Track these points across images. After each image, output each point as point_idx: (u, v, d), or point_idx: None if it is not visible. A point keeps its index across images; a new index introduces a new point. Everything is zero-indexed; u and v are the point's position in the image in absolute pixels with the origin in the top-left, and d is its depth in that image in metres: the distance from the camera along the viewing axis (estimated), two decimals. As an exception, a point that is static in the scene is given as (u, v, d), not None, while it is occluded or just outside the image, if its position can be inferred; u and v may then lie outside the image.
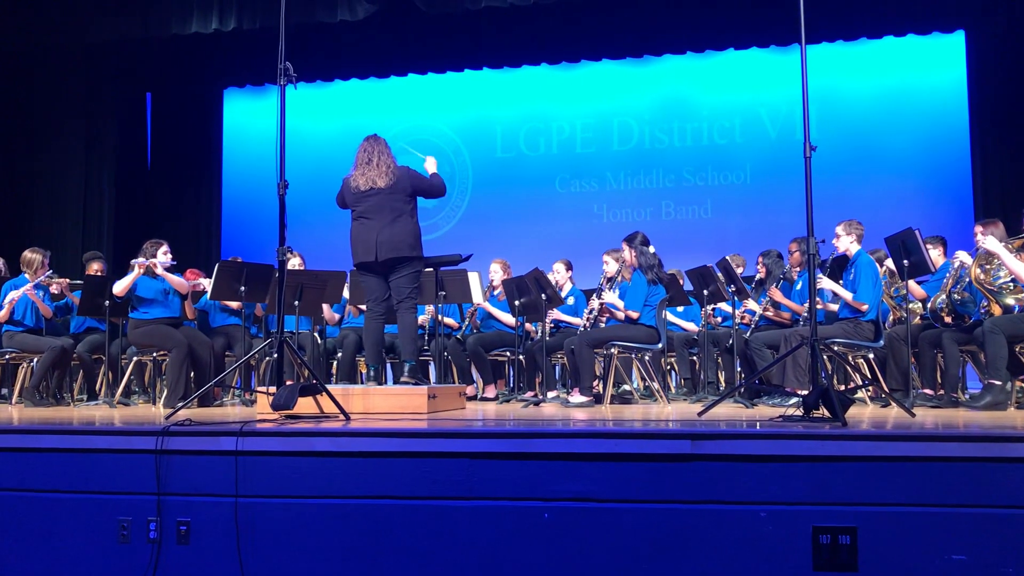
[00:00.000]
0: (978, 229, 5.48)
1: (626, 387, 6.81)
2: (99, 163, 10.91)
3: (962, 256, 5.59)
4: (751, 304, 6.91)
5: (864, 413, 4.80)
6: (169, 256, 6.13)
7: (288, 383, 4.43)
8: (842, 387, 6.13)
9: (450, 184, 11.04)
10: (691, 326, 7.64)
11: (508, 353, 7.33)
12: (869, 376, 5.96)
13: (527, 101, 11.17)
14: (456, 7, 9.38)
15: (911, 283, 5.95)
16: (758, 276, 7.09)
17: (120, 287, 5.96)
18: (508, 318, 7.20)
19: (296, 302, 6.30)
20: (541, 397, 6.40)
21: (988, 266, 5.34)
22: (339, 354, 7.18)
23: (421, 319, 7.06)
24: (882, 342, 5.66)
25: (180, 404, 5.12)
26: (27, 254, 6.58)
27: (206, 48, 10.78)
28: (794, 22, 4.32)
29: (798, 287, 6.43)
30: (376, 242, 5.03)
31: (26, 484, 3.76)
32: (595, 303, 6.52)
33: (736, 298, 6.59)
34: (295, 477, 3.55)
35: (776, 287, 6.51)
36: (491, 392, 7.19)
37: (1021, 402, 5.46)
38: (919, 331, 5.83)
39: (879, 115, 10.12)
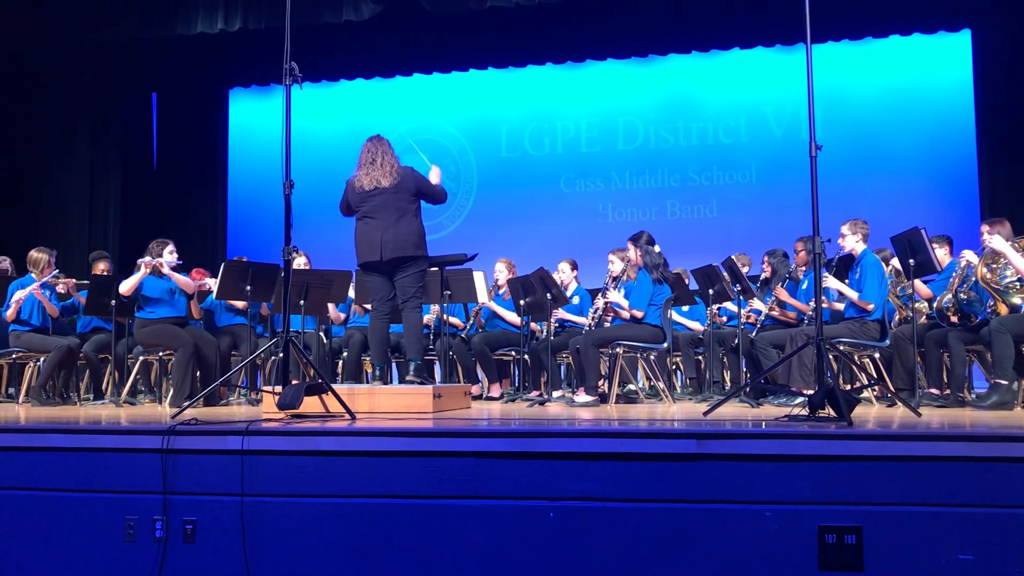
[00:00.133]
0: (984, 228, 5.47)
1: (631, 387, 6.81)
2: (105, 163, 10.95)
3: (968, 255, 5.58)
4: (756, 303, 6.90)
5: (870, 413, 4.79)
6: (175, 256, 6.14)
7: (294, 382, 4.43)
8: (848, 387, 6.11)
9: (455, 183, 11.13)
10: (696, 325, 7.64)
11: (513, 352, 7.33)
12: (875, 376, 5.95)
13: (532, 101, 11.17)
14: (461, 7, 9.38)
15: (917, 282, 5.94)
16: (763, 275, 7.08)
17: (126, 287, 5.97)
18: (513, 317, 7.21)
19: (301, 301, 6.30)
20: (546, 396, 6.40)
21: (994, 265, 5.32)
22: (344, 353, 7.19)
23: (426, 318, 7.07)
24: (888, 341, 5.65)
25: (186, 403, 5.13)
26: (33, 254, 6.60)
27: (212, 48, 10.80)
28: (800, 21, 4.32)
29: (804, 286, 6.42)
30: (381, 241, 5.03)
31: (33, 483, 3.78)
32: (600, 302, 6.52)
33: (741, 297, 6.59)
34: (301, 476, 3.56)
35: (782, 286, 6.50)
36: (496, 391, 7.19)
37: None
38: (925, 330, 5.81)
39: (885, 114, 10.10)
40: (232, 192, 11.80)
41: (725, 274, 6.59)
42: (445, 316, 6.93)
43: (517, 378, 7.52)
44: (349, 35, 10.43)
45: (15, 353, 6.56)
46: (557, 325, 7.18)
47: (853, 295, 5.63)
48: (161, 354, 6.41)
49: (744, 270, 6.97)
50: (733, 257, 6.69)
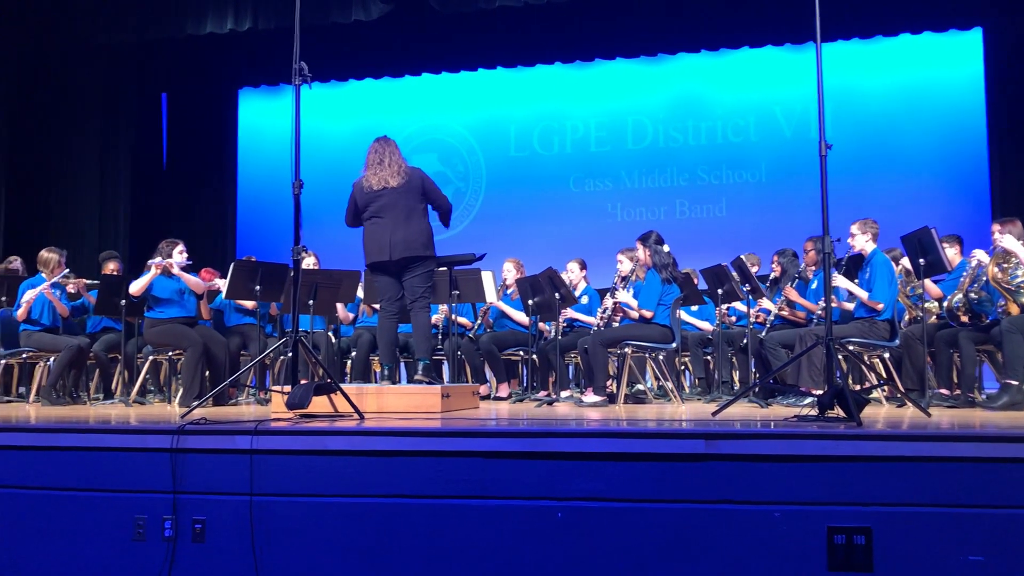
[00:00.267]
0: (995, 227, 5.45)
1: (640, 387, 6.80)
2: (115, 163, 10.98)
3: (979, 255, 5.54)
4: (766, 303, 6.88)
5: (879, 413, 4.77)
6: (185, 255, 6.16)
7: (303, 382, 4.45)
8: (857, 387, 6.09)
9: (464, 183, 11.15)
10: (705, 325, 7.62)
11: (522, 352, 7.33)
12: (884, 376, 5.92)
13: (541, 100, 11.17)
14: (470, 6, 9.39)
15: (927, 282, 5.91)
16: (773, 275, 7.07)
17: (136, 287, 6.00)
18: (522, 317, 7.20)
19: (310, 301, 6.32)
20: (554, 396, 6.39)
21: (1005, 265, 5.29)
22: (353, 353, 7.20)
23: (435, 318, 7.08)
24: (898, 341, 5.63)
25: (195, 403, 5.14)
26: (44, 253, 6.63)
27: (221, 48, 10.82)
28: (809, 20, 4.30)
29: (813, 286, 6.40)
30: (390, 242, 5.03)
31: (43, 482, 3.79)
32: (609, 302, 6.51)
33: (751, 297, 6.57)
34: (309, 476, 3.57)
35: (791, 286, 6.49)
36: (504, 391, 7.19)
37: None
38: (935, 330, 5.79)
39: (895, 113, 10.06)
40: (241, 192, 11.83)
41: (734, 274, 6.57)
42: (453, 316, 6.94)
43: (525, 378, 7.52)
44: (358, 35, 10.44)
45: (25, 353, 6.60)
46: (565, 325, 7.17)
47: (863, 295, 5.61)
48: (171, 354, 6.43)
49: (753, 270, 6.95)
50: (742, 256, 6.68)
